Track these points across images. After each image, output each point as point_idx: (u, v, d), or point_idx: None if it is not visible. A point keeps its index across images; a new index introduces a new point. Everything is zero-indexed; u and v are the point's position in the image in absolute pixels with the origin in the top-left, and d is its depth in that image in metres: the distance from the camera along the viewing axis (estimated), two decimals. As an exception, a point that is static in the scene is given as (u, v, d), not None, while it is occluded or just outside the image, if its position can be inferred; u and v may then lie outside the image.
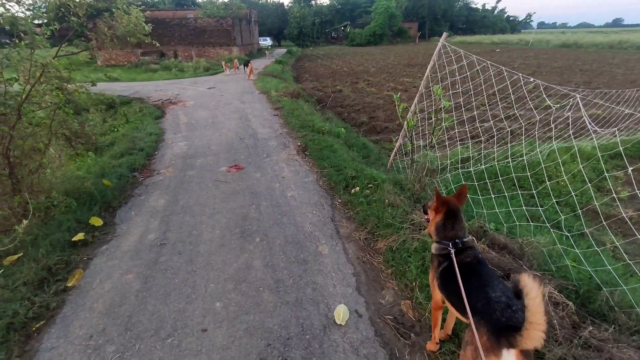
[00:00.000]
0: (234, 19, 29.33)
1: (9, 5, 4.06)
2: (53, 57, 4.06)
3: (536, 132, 4.10)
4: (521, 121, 4.44)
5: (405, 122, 4.76)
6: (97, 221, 3.88)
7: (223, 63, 20.48)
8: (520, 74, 3.82)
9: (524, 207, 3.90)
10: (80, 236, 3.54)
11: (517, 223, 3.74)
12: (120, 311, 2.67)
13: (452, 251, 1.85)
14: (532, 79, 4.11)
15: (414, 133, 4.79)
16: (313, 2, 58.56)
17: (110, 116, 10.15)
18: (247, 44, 34.48)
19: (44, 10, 4.83)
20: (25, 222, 3.02)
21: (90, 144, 6.66)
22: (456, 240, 1.91)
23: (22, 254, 3.18)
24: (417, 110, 4.95)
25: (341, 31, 68.00)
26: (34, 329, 2.52)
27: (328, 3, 70.69)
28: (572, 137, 4.01)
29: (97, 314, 2.66)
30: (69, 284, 2.97)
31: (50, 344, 2.41)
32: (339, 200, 4.48)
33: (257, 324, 2.54)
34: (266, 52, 35.83)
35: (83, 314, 2.66)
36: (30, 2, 4.46)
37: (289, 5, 59.62)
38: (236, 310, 2.67)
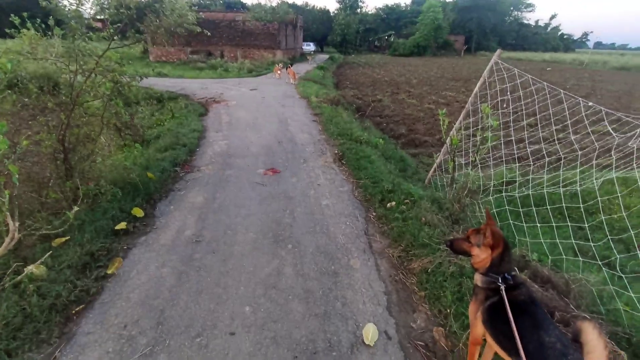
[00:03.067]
0: (280, 23, 29.97)
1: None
2: (106, 49, 4.28)
3: (594, 161, 3.81)
4: (576, 147, 4.18)
5: (449, 139, 4.61)
6: (138, 212, 4.03)
7: (276, 66, 20.65)
8: (580, 99, 3.59)
9: (572, 240, 3.64)
10: (122, 225, 3.69)
11: (564, 256, 3.49)
12: (154, 304, 2.74)
13: (503, 287, 1.74)
14: (590, 103, 3.86)
15: (456, 150, 4.63)
16: (358, 10, 58.67)
17: (157, 110, 10.60)
18: (290, 48, 35.09)
19: (107, 6, 5.11)
20: (76, 207, 3.18)
21: (138, 135, 6.98)
22: (506, 275, 1.79)
23: (69, 237, 3.35)
24: (462, 127, 4.78)
25: (384, 40, 67.61)
26: (74, 312, 2.64)
27: (373, 12, 70.70)
28: (636, 168, 3.71)
29: (132, 304, 2.74)
30: (109, 271, 3.09)
31: (87, 328, 2.50)
32: (374, 214, 4.40)
33: (284, 334, 2.51)
34: (308, 57, 36.28)
35: (119, 302, 2.76)
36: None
37: (335, 12, 60.13)
38: (264, 317, 2.66)
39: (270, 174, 5.55)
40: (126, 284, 2.96)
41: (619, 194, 3.45)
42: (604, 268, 3.26)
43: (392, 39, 63.72)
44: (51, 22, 4.71)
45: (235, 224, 4.00)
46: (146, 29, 4.52)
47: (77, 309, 2.67)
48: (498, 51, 4.42)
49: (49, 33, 4.86)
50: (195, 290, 2.91)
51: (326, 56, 42.04)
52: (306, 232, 3.89)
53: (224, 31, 29.26)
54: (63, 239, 3.31)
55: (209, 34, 5.03)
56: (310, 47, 48.58)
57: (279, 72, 19.97)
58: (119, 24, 4.32)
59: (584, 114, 3.74)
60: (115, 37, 4.53)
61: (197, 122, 8.64)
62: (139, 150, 5.88)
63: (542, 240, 3.71)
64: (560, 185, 4.23)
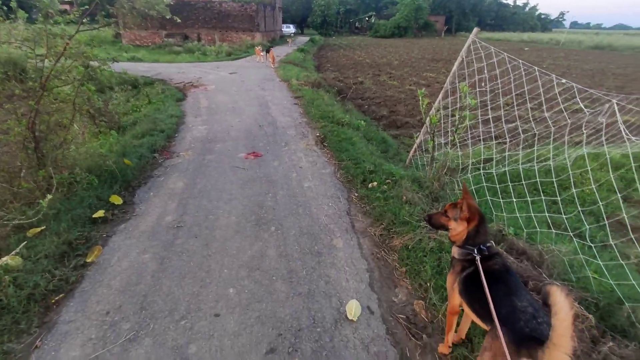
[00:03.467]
0: (258, 4, 29.15)
1: None
2: (75, 32, 4.09)
3: (566, 137, 3.94)
4: (550, 123, 4.28)
5: (428, 119, 4.66)
6: (117, 199, 3.96)
7: (256, 49, 20.01)
8: (554, 76, 3.67)
9: (546, 214, 3.78)
10: (100, 213, 3.62)
11: (538, 229, 3.63)
12: (137, 290, 2.73)
13: (478, 258, 1.80)
14: (564, 80, 3.95)
15: (435, 130, 4.69)
16: (339, -9, 57.60)
17: (133, 96, 10.27)
18: (270, 30, 34.30)
19: None
20: (49, 196, 3.09)
21: (113, 122, 6.77)
22: (481, 247, 1.86)
23: (44, 227, 3.27)
24: (441, 106, 4.83)
25: (365, 21, 66.80)
26: (53, 301, 2.60)
27: (354, -8, 69.47)
28: (605, 143, 3.85)
29: (114, 291, 2.72)
30: (88, 260, 3.04)
31: (68, 317, 2.47)
32: (356, 194, 4.44)
33: (268, 313, 2.55)
34: (288, 39, 35.59)
35: (101, 290, 2.73)
36: None
37: (314, -8, 58.83)
38: (249, 298, 2.68)
39: (252, 157, 5.50)
40: (107, 271, 2.92)
41: (589, 168, 3.58)
42: (574, 239, 3.41)
43: (373, 20, 63.02)
44: (13, 4, 4.46)
45: (217, 209, 3.97)
46: (117, 11, 4.31)
47: (56, 298, 2.62)
48: (475, 30, 4.44)
49: (12, 16, 4.60)
50: (178, 275, 2.90)
51: (306, 38, 41.37)
52: (289, 214, 3.90)
53: (200, 13, 28.27)
54: (38, 229, 3.22)
55: (178, 20, 4.84)
56: (290, 29, 47.60)
57: (261, 54, 19.34)
58: (87, 6, 4.12)
59: (557, 91, 3.82)
60: (84, 20, 4.33)
61: (175, 107, 8.43)
62: (115, 137, 5.72)
63: (517, 215, 3.84)
64: (535, 161, 4.35)
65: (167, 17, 4.48)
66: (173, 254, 3.17)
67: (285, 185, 4.60)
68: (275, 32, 38.00)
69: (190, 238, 3.42)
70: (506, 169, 4.64)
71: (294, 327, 2.44)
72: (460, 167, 4.85)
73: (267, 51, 18.40)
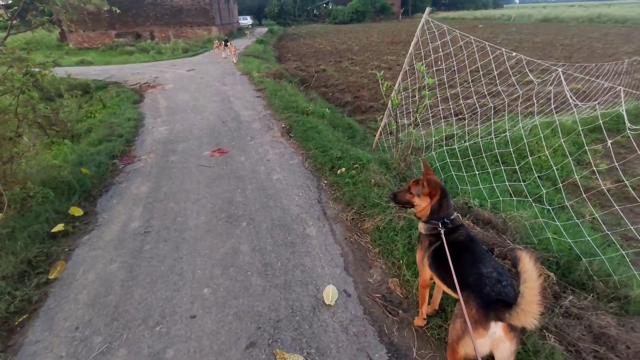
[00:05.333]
0: (211, -4, 28.22)
1: None
2: (5, 35, 3.80)
3: (519, 108, 4.12)
4: (504, 97, 4.45)
5: (390, 101, 4.72)
6: (77, 211, 3.77)
7: (220, 43, 18.78)
8: (503, 49, 3.80)
9: (507, 183, 3.96)
10: (59, 227, 3.44)
11: (501, 198, 3.80)
12: (106, 301, 2.63)
13: (442, 230, 1.86)
14: (514, 53, 4.09)
15: (398, 112, 4.76)
16: (294, -21, 56.64)
17: (85, 102, 9.76)
18: (226, 23, 33.39)
19: None
20: (-1, 215, 2.90)
21: (65, 131, 6.39)
22: (445, 220, 1.92)
23: (-1, 247, 3.08)
24: (401, 88, 4.90)
25: (323, 9, 66.37)
26: (16, 323, 2.46)
27: (309, -21, 68.54)
28: (554, 111, 4.05)
29: (82, 305, 2.61)
30: (51, 276, 2.90)
31: (35, 337, 2.36)
32: (325, 182, 4.46)
33: (246, 308, 2.53)
34: (246, 31, 34.77)
35: (67, 305, 2.61)
36: None
37: (269, -19, 57.60)
38: (225, 296, 2.65)
39: (218, 155, 5.39)
40: (72, 286, 2.80)
41: (542, 136, 3.76)
42: (534, 204, 3.60)
43: (330, 7, 62.65)
44: None
45: (185, 210, 3.88)
46: (50, 9, 4.02)
47: (20, 319, 2.49)
48: (427, 9, 4.51)
49: None
50: (149, 281, 2.82)
51: (265, 29, 40.64)
52: (260, 208, 3.87)
53: (151, 9, 27.03)
54: (-8, 250, 3.03)
55: (118, 11, 4.59)
56: (247, 20, 46.52)
57: (223, 49, 18.16)
58: (16, 7, 3.83)
59: (507, 64, 3.97)
60: (15, 22, 4.03)
61: (132, 110, 8.09)
62: (69, 147, 5.44)
63: (481, 187, 4.00)
64: (493, 134, 4.52)
65: (105, 8, 4.23)
66: (142, 260, 3.07)
67: (253, 179, 4.55)
68: (232, 25, 37.06)
69: (159, 242, 3.32)
70: (467, 144, 4.79)
71: (272, 318, 2.44)
72: (424, 145, 4.97)
73: (226, 44, 17.71)
